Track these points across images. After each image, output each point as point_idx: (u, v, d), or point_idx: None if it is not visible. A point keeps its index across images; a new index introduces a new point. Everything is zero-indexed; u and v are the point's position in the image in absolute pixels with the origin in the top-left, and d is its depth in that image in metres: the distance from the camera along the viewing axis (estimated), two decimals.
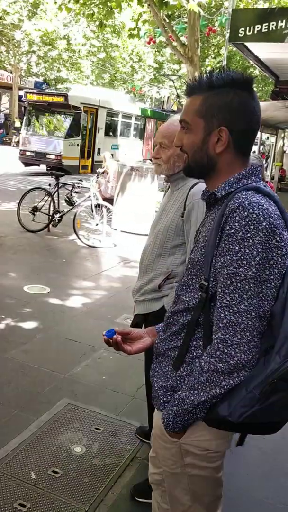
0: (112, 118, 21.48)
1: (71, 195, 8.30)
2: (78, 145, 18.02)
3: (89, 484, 2.49)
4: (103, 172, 9.58)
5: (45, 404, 3.18)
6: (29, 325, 4.43)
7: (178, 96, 28.16)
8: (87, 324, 4.66)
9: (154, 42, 17.78)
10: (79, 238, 7.62)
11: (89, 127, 19.29)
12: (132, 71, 33.14)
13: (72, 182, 8.22)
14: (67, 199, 8.34)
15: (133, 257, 7.20)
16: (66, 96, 17.49)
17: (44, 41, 26.29)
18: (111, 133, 21.33)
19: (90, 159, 19.48)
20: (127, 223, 8.56)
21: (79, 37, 27.45)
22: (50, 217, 8.09)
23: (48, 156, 17.05)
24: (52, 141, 17.39)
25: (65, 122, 18.06)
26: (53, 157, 17.11)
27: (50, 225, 8.17)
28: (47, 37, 25.97)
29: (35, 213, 8.15)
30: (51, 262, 6.64)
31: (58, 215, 8.10)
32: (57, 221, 8.11)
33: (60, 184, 8.22)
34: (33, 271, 6.04)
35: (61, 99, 17.52)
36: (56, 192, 8.23)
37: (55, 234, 8.18)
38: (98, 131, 19.87)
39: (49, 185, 8.47)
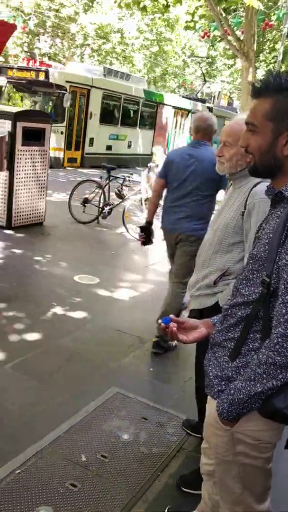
0: (112, 102, 17.63)
1: (121, 188, 8.42)
2: (62, 133, 15.04)
3: (137, 471, 2.57)
4: (155, 166, 9.64)
5: (94, 392, 3.27)
6: (79, 314, 4.56)
7: (205, 81, 27.24)
8: (134, 316, 4.74)
9: (209, 36, 17.60)
10: (127, 231, 7.72)
11: (78, 112, 15.87)
12: (184, 65, 33.00)
13: (123, 176, 8.33)
14: (117, 192, 8.47)
15: None
16: (47, 72, 14.52)
17: (99, 34, 26.55)
18: (109, 121, 17.55)
19: (80, 151, 16.42)
20: None
21: (133, 30, 27.57)
22: (100, 209, 8.23)
23: None
24: None
25: (47, 104, 15.21)
26: None
27: (100, 217, 8.31)
28: (102, 30, 26.21)
29: (86, 204, 8.30)
30: (100, 253, 6.78)
31: (108, 207, 8.23)
32: (106, 213, 8.24)
33: (111, 177, 8.35)
34: (83, 262, 6.18)
35: (42, 75, 14.51)
36: (107, 185, 8.36)
37: (105, 226, 8.31)
38: (91, 117, 16.36)
39: (100, 177, 8.63)
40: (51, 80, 14.52)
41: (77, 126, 16.04)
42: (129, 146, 18.78)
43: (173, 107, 21.53)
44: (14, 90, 15.74)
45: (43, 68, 15.06)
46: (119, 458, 2.65)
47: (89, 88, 16.07)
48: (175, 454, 2.76)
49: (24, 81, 14.81)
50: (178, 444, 2.84)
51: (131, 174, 8.51)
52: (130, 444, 2.78)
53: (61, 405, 3.08)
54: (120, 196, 8.41)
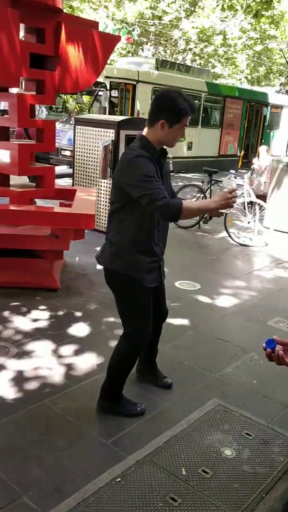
0: None
1: None
2: None
3: (240, 490, 2.44)
4: (254, 169, 9.35)
5: (195, 402, 3.20)
6: (179, 321, 4.50)
7: None
8: (237, 324, 4.58)
9: None
10: (229, 236, 7.53)
11: (124, 111, 13.71)
12: None
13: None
14: None
15: (286, 257, 6.90)
16: None
17: (201, 38, 26.47)
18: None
19: None
20: (280, 222, 8.22)
21: (236, 31, 27.07)
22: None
23: None
24: None
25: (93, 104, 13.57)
26: None
27: (201, 222, 8.21)
28: (204, 33, 26.10)
29: None
30: (201, 259, 6.68)
31: None
32: (208, 218, 8.12)
33: (212, 181, 8.23)
34: (184, 267, 6.13)
35: None
36: (209, 189, 8.25)
37: (206, 231, 8.20)
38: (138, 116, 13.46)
39: (202, 182, 8.55)
40: None
41: None
42: (189, 148, 16.03)
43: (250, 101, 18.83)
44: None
45: None
46: (221, 475, 2.54)
47: (135, 83, 13.69)
48: (281, 476, 2.58)
49: None
50: (285, 465, 2.66)
51: (234, 177, 8.27)
52: (232, 461, 2.66)
53: (162, 414, 3.05)
54: None
